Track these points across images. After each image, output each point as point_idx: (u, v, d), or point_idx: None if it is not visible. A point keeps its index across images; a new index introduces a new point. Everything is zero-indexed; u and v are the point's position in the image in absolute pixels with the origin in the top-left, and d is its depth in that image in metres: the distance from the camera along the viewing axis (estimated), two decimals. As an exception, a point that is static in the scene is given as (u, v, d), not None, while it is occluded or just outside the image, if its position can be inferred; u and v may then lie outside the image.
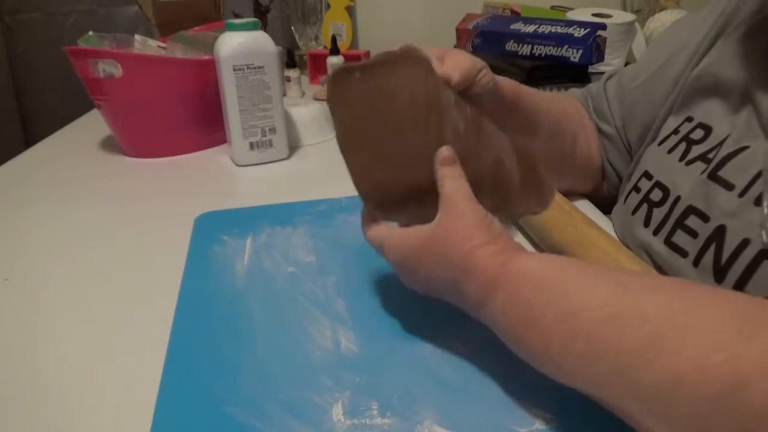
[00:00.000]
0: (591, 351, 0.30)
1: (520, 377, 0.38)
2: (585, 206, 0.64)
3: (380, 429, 0.34)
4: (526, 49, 1.12)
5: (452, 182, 0.38)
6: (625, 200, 0.54)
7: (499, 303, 0.35)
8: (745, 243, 0.38)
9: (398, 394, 0.37)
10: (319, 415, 0.35)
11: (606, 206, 0.63)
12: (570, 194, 0.65)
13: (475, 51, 1.24)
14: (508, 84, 0.52)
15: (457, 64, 0.43)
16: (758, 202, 0.38)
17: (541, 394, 0.36)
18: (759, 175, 0.39)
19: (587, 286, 0.32)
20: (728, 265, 0.39)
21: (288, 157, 0.84)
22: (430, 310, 0.45)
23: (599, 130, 0.64)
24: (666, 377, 0.26)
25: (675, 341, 0.26)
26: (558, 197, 0.54)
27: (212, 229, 0.60)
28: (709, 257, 0.41)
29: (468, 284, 0.37)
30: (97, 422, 0.37)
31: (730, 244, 0.39)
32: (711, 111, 0.47)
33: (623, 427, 0.34)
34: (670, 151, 0.49)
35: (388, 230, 0.42)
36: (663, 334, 0.27)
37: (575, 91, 0.69)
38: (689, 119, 0.49)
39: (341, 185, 0.71)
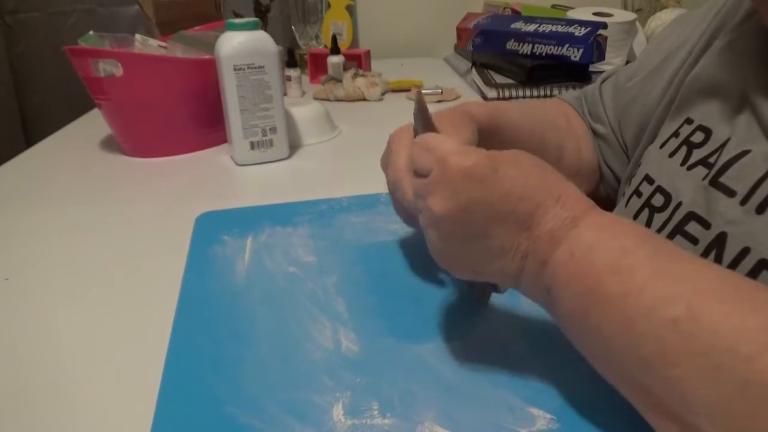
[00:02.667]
0: (687, 319, 0.26)
1: (520, 377, 0.38)
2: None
3: (381, 429, 0.34)
4: (526, 48, 1.12)
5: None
6: (627, 204, 0.53)
7: (585, 241, 0.31)
8: (745, 251, 0.38)
9: (399, 395, 0.37)
10: (320, 416, 0.35)
11: (605, 207, 0.63)
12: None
13: (476, 50, 1.24)
14: (482, 111, 0.53)
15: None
16: (760, 210, 0.38)
17: (541, 395, 0.36)
18: (761, 181, 0.39)
19: (690, 259, 0.30)
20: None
21: (288, 157, 0.84)
22: (431, 310, 0.45)
23: (594, 132, 0.64)
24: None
25: None
26: None
27: (212, 229, 0.60)
28: None
29: (553, 211, 0.33)
30: (98, 422, 0.37)
31: (730, 252, 0.39)
32: (710, 113, 0.47)
33: (623, 427, 0.34)
34: (671, 155, 0.49)
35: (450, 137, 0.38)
36: None
37: (570, 94, 0.69)
38: (689, 121, 0.49)
39: (342, 185, 0.71)
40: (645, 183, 0.51)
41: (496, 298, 0.46)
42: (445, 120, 0.47)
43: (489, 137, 0.53)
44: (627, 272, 0.29)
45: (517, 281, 0.35)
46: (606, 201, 0.66)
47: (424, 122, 0.43)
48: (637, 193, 0.52)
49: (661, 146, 0.51)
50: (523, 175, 0.34)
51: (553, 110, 0.67)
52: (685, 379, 0.26)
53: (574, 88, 1.08)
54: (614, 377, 0.31)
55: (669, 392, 0.27)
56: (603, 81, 0.66)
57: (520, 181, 0.34)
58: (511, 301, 0.46)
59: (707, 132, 0.46)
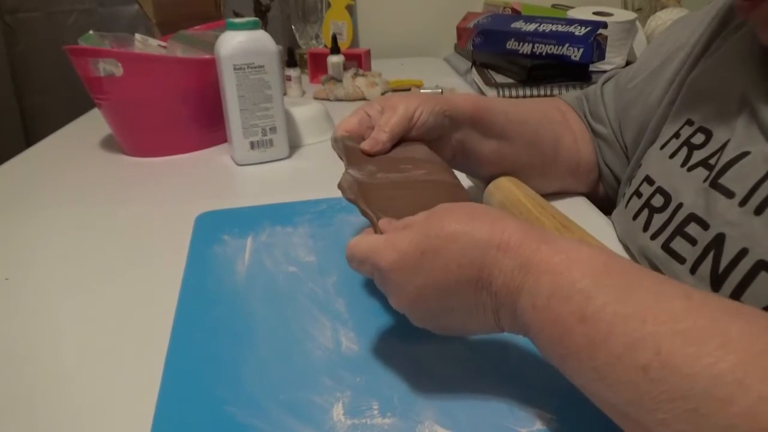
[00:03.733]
0: (657, 366, 0.25)
1: (520, 377, 0.38)
2: (583, 205, 0.64)
3: (381, 429, 0.34)
4: (526, 48, 1.12)
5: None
6: (627, 204, 0.53)
7: (543, 290, 0.30)
8: (743, 252, 0.38)
9: (399, 394, 0.37)
10: (320, 415, 0.35)
11: (605, 207, 0.63)
12: (565, 195, 0.65)
13: (476, 50, 1.24)
14: (467, 101, 0.54)
15: (388, 120, 0.49)
16: (759, 211, 0.38)
17: (541, 395, 0.36)
18: (760, 183, 0.39)
19: (656, 294, 0.28)
20: (725, 274, 0.39)
21: (288, 157, 0.84)
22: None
23: (595, 132, 0.64)
24: (743, 423, 0.23)
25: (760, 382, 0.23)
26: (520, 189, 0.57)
27: (213, 229, 0.60)
28: (706, 265, 0.41)
29: (499, 263, 0.31)
30: (98, 422, 0.37)
31: (728, 253, 0.39)
32: (710, 114, 0.47)
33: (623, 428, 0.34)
34: (671, 156, 0.49)
35: (377, 236, 0.37)
36: (748, 370, 0.23)
37: (571, 95, 0.70)
38: (689, 122, 0.49)
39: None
40: (645, 184, 0.51)
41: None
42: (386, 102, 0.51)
43: (479, 125, 0.55)
44: (591, 320, 0.28)
45: (500, 330, 0.34)
46: (605, 201, 0.66)
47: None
48: (637, 193, 0.52)
49: (662, 147, 0.51)
50: (452, 240, 0.33)
51: (548, 105, 0.67)
52: (668, 423, 0.25)
53: (574, 87, 1.08)
54: (607, 411, 0.30)
55: (659, 428, 0.26)
56: (605, 82, 0.66)
57: (452, 248, 0.32)
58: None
59: (708, 134, 0.46)
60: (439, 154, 0.51)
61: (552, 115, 0.65)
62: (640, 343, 0.26)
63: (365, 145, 0.48)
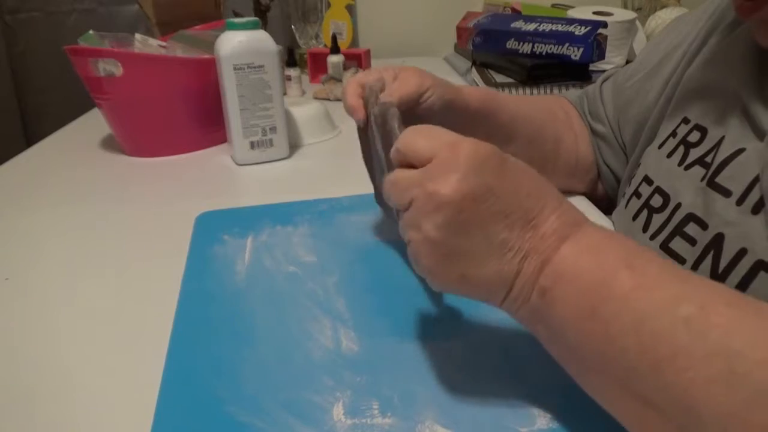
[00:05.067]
0: (700, 319, 0.25)
1: (521, 377, 0.38)
2: (583, 204, 0.64)
3: (381, 428, 0.34)
4: (526, 48, 1.12)
5: None
6: (626, 205, 0.53)
7: (593, 240, 0.31)
8: (742, 252, 0.38)
9: (399, 394, 0.37)
10: (320, 415, 0.35)
11: (605, 206, 0.63)
12: (566, 194, 0.65)
13: (476, 49, 1.24)
14: (476, 94, 0.54)
15: (399, 88, 0.48)
16: (756, 210, 0.38)
17: (541, 394, 0.36)
18: (756, 181, 0.39)
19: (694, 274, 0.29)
20: (725, 274, 0.39)
21: (288, 157, 0.84)
22: (431, 310, 0.45)
23: (594, 131, 0.64)
24: None
25: None
26: None
27: (213, 229, 0.60)
28: (706, 265, 0.41)
29: (561, 212, 0.32)
30: (98, 422, 0.37)
31: (728, 253, 0.39)
32: (705, 112, 0.47)
33: (623, 428, 0.34)
34: (669, 155, 0.49)
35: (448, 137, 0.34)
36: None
37: (573, 93, 0.70)
38: (685, 120, 0.49)
39: (342, 185, 0.71)
40: (644, 184, 0.51)
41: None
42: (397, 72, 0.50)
43: (483, 120, 0.54)
44: (639, 268, 0.28)
45: (507, 288, 0.32)
46: (604, 201, 0.66)
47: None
48: (637, 194, 0.52)
49: (660, 146, 0.51)
50: (528, 173, 0.33)
51: (553, 103, 0.67)
52: (696, 384, 0.24)
53: (574, 87, 1.08)
54: (611, 387, 0.29)
55: (676, 399, 0.25)
56: (604, 81, 0.66)
57: (528, 178, 0.33)
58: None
59: (703, 131, 0.46)
60: None
61: (557, 113, 0.65)
62: (685, 296, 0.26)
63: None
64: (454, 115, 0.52)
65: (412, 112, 0.49)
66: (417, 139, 0.34)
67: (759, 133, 0.40)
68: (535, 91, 1.08)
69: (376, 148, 0.45)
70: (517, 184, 0.32)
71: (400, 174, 0.34)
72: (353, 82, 0.50)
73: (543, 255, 0.31)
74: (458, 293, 0.34)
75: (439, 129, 0.35)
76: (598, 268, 0.30)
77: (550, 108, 0.65)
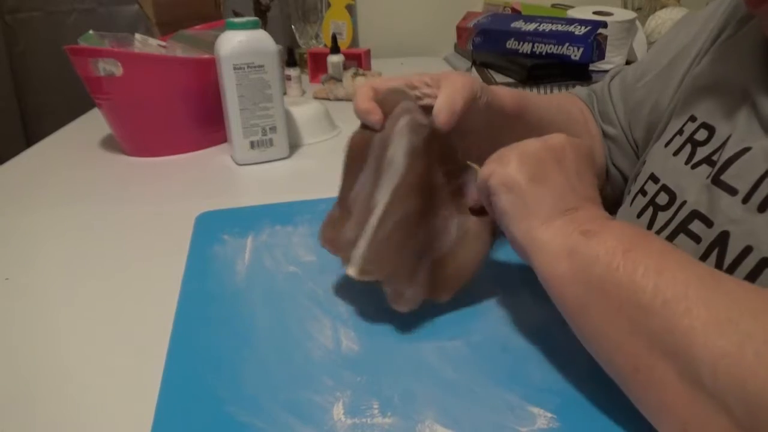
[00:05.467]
0: (713, 278, 0.30)
1: (521, 376, 0.38)
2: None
3: (381, 428, 0.34)
4: (526, 48, 1.12)
5: None
6: (632, 203, 0.53)
7: (617, 224, 0.36)
8: (747, 250, 0.38)
9: (399, 394, 0.37)
10: (320, 415, 0.35)
11: (610, 206, 0.63)
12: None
13: (476, 49, 1.24)
14: (510, 95, 0.51)
15: (461, 90, 0.44)
16: (762, 208, 0.38)
17: (541, 394, 0.36)
18: (762, 179, 0.39)
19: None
20: (730, 271, 0.39)
21: (288, 156, 0.84)
22: (431, 310, 0.45)
23: (604, 134, 0.64)
24: None
25: None
26: None
27: (213, 228, 0.60)
28: (710, 263, 0.41)
29: (597, 206, 0.39)
30: (98, 422, 0.37)
31: (732, 251, 0.39)
32: (713, 110, 0.47)
33: (624, 427, 0.34)
34: (675, 153, 0.49)
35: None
36: None
37: (581, 91, 0.69)
38: (692, 118, 0.49)
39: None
40: (650, 182, 0.51)
41: (497, 299, 0.46)
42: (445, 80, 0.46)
43: (516, 122, 0.52)
44: (672, 244, 0.34)
45: (558, 215, 0.38)
46: (611, 201, 0.65)
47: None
48: (642, 192, 0.52)
49: (666, 144, 0.51)
50: (581, 172, 0.41)
51: (571, 105, 0.66)
52: (695, 327, 0.28)
53: (574, 87, 1.08)
54: (621, 328, 0.32)
55: (675, 343, 0.29)
56: (611, 79, 0.65)
57: (577, 176, 0.40)
58: (511, 300, 0.46)
59: (710, 129, 0.46)
60: (468, 146, 0.47)
61: (576, 116, 0.64)
62: (704, 265, 0.31)
63: (443, 116, 0.43)
64: (492, 116, 0.49)
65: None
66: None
67: (767, 130, 0.40)
68: (534, 91, 1.08)
69: (384, 153, 0.42)
70: (564, 177, 0.40)
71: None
72: (366, 85, 0.47)
73: (593, 214, 0.38)
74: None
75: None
76: (637, 233, 0.35)
77: (570, 110, 0.64)
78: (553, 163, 0.40)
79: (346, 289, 0.49)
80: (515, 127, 0.52)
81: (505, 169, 0.39)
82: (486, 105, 0.47)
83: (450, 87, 0.44)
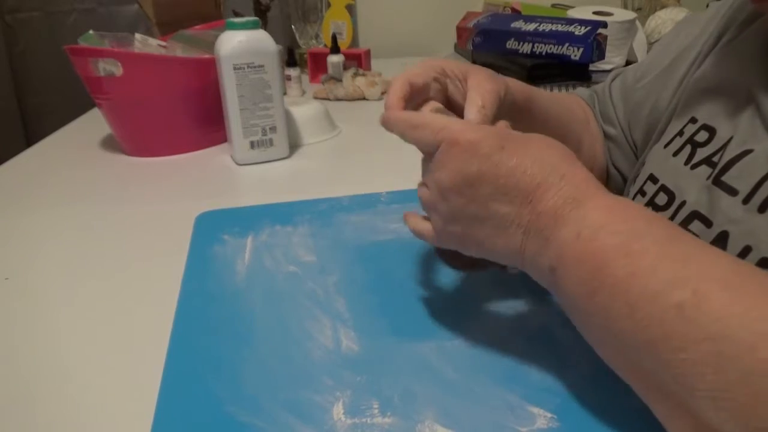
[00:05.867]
0: (692, 305, 0.26)
1: (521, 376, 0.38)
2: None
3: (381, 428, 0.34)
4: (526, 48, 1.12)
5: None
6: None
7: (592, 222, 0.31)
8: (746, 250, 0.38)
9: (399, 394, 0.37)
10: (320, 415, 0.35)
11: None
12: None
13: (476, 49, 1.24)
14: (520, 88, 0.50)
15: (488, 94, 0.43)
16: (762, 209, 0.38)
17: (541, 394, 0.36)
18: (763, 180, 0.39)
19: (703, 244, 0.30)
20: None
21: (288, 156, 0.84)
22: (431, 310, 0.45)
23: (605, 134, 0.64)
24: None
25: None
26: None
27: (213, 228, 0.60)
28: None
29: (557, 188, 0.33)
30: (98, 422, 0.37)
31: (732, 251, 0.39)
32: (715, 112, 0.47)
33: (623, 427, 0.34)
34: (675, 154, 0.49)
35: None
36: None
37: (583, 91, 0.69)
38: (693, 120, 0.49)
39: (342, 184, 0.71)
40: (649, 182, 0.51)
41: (497, 298, 0.46)
42: (475, 75, 0.45)
43: (523, 117, 0.51)
44: (636, 255, 0.29)
45: (522, 260, 0.35)
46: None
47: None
48: (641, 192, 0.52)
49: (666, 145, 0.51)
50: (529, 152, 0.35)
51: (574, 104, 0.66)
52: (689, 364, 0.26)
53: (574, 87, 1.08)
54: (616, 360, 0.31)
55: (672, 376, 0.27)
56: (612, 80, 0.65)
57: (527, 157, 0.34)
58: (511, 300, 0.46)
59: (711, 131, 0.46)
60: None
61: (578, 115, 0.64)
62: (679, 282, 0.27)
63: (477, 117, 0.42)
64: (505, 111, 0.47)
65: None
66: (422, 133, 0.38)
67: None
68: (535, 91, 1.08)
69: None
70: (514, 164, 0.34)
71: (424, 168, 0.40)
72: (402, 79, 0.44)
73: (542, 234, 0.33)
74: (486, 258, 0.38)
75: (443, 119, 0.38)
76: (594, 258, 0.31)
77: (573, 109, 0.64)
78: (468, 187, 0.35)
79: (346, 289, 0.49)
80: (521, 120, 0.51)
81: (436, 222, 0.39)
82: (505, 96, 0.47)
83: (478, 90, 0.43)
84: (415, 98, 0.44)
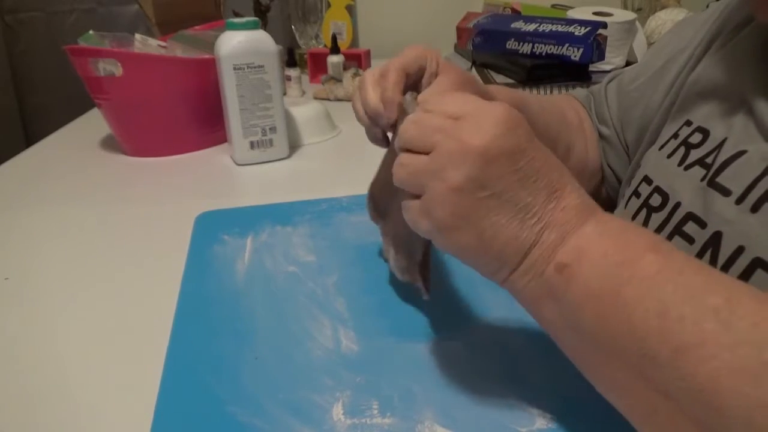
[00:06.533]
0: (726, 311, 0.25)
1: (520, 377, 0.38)
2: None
3: (381, 428, 0.34)
4: (526, 48, 1.12)
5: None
6: (626, 205, 0.54)
7: (616, 223, 0.30)
8: (740, 250, 0.38)
9: (398, 394, 0.37)
10: (320, 415, 0.35)
11: (606, 208, 0.63)
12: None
13: (476, 49, 1.24)
14: (504, 94, 0.51)
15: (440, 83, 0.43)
16: (755, 209, 0.38)
17: (541, 394, 0.36)
18: (756, 181, 0.39)
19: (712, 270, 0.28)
20: (722, 271, 0.39)
21: (288, 157, 0.84)
22: (431, 310, 0.45)
23: (599, 134, 0.64)
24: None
25: None
26: None
27: (213, 229, 0.60)
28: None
29: (578, 193, 0.31)
30: (98, 422, 0.37)
31: (725, 251, 0.39)
32: (709, 114, 0.47)
33: (623, 427, 0.34)
34: (669, 156, 0.49)
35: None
36: None
37: (580, 92, 0.69)
38: (688, 123, 0.49)
39: (341, 184, 0.71)
40: (644, 184, 0.51)
41: (497, 298, 0.46)
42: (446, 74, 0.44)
43: None
44: (665, 253, 0.28)
45: (521, 257, 0.31)
46: (607, 202, 0.66)
47: None
48: (636, 193, 0.52)
49: (660, 148, 0.52)
50: (552, 153, 0.33)
51: (566, 107, 0.66)
52: (721, 374, 0.23)
53: (574, 87, 1.08)
54: (624, 377, 0.28)
55: (695, 392, 0.24)
56: (609, 81, 0.66)
57: (551, 156, 0.33)
58: (511, 300, 0.46)
59: (705, 133, 0.46)
60: None
61: (570, 118, 0.65)
62: (711, 287, 0.26)
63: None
64: None
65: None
66: (446, 96, 0.34)
67: (765, 135, 0.40)
68: (534, 91, 1.08)
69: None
70: (547, 154, 0.32)
71: (426, 116, 0.33)
72: (398, 68, 0.42)
73: (564, 229, 0.31)
74: (465, 257, 0.33)
75: (467, 94, 0.34)
76: (624, 249, 0.29)
77: (565, 113, 0.65)
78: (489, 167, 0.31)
79: (346, 289, 0.49)
80: None
81: (431, 218, 0.32)
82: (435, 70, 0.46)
83: (443, 78, 0.44)
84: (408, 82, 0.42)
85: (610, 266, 0.29)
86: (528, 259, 0.31)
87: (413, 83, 0.44)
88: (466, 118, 0.32)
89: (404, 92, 0.41)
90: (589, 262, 0.29)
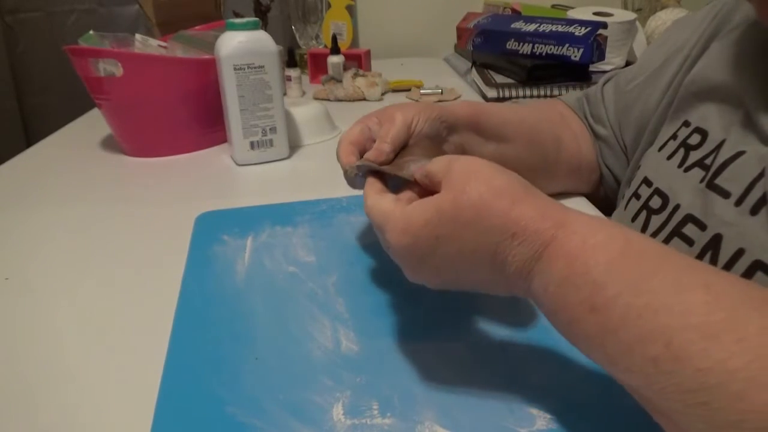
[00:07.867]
0: (667, 359, 0.25)
1: (520, 377, 0.38)
2: (583, 205, 0.64)
3: (381, 429, 0.34)
4: (526, 48, 1.12)
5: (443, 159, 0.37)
6: (626, 206, 0.54)
7: (555, 276, 0.30)
8: (740, 253, 0.38)
9: (399, 394, 0.37)
10: (320, 415, 0.35)
11: (605, 208, 0.63)
12: (567, 195, 0.65)
13: (476, 50, 1.24)
14: (464, 105, 0.55)
15: (389, 131, 0.48)
16: (754, 211, 0.38)
17: (541, 394, 0.36)
18: (755, 182, 0.39)
19: (673, 283, 0.27)
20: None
21: (288, 157, 0.84)
22: (431, 310, 0.45)
23: (596, 134, 0.64)
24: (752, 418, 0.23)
25: None
26: None
27: (212, 229, 0.60)
28: None
29: (513, 251, 0.32)
30: (98, 422, 0.37)
31: (725, 254, 0.39)
32: (707, 115, 0.47)
33: (623, 427, 0.34)
34: (669, 158, 0.49)
35: (394, 206, 0.38)
36: (763, 367, 0.23)
37: (570, 96, 0.70)
38: (686, 123, 0.49)
39: (341, 185, 0.71)
40: (643, 185, 0.51)
41: (497, 299, 0.46)
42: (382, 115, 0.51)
43: (474, 125, 0.55)
44: (602, 309, 0.28)
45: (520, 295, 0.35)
46: (605, 202, 0.66)
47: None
48: (636, 195, 0.52)
49: (660, 149, 0.52)
50: (467, 226, 0.33)
51: (545, 106, 0.68)
52: (677, 412, 0.25)
53: (574, 88, 1.09)
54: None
55: (664, 413, 0.27)
56: (605, 82, 0.66)
57: (467, 236, 0.33)
58: (510, 300, 0.46)
59: (703, 134, 0.47)
60: (442, 151, 0.51)
61: (549, 115, 0.65)
62: (650, 335, 0.26)
63: (370, 155, 0.47)
64: (448, 130, 0.52)
65: (409, 142, 0.50)
66: (366, 207, 0.40)
67: (762, 136, 0.40)
68: (535, 91, 1.08)
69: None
70: (457, 249, 0.34)
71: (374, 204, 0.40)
72: (345, 142, 0.51)
73: (522, 288, 0.33)
74: (479, 290, 0.37)
75: (379, 207, 0.39)
76: (564, 312, 0.30)
77: (542, 110, 0.66)
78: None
79: (346, 289, 0.49)
80: (474, 129, 0.55)
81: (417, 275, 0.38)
82: (434, 120, 0.51)
83: (384, 128, 0.49)
84: (359, 149, 0.50)
85: (561, 326, 0.31)
86: (520, 295, 0.34)
87: (364, 149, 0.50)
88: (382, 229, 0.38)
89: (362, 155, 0.49)
90: (547, 316, 0.32)
